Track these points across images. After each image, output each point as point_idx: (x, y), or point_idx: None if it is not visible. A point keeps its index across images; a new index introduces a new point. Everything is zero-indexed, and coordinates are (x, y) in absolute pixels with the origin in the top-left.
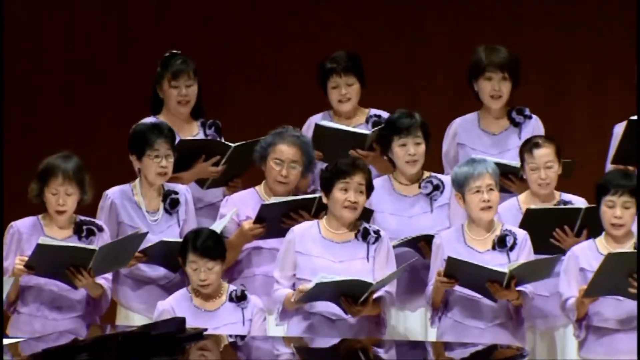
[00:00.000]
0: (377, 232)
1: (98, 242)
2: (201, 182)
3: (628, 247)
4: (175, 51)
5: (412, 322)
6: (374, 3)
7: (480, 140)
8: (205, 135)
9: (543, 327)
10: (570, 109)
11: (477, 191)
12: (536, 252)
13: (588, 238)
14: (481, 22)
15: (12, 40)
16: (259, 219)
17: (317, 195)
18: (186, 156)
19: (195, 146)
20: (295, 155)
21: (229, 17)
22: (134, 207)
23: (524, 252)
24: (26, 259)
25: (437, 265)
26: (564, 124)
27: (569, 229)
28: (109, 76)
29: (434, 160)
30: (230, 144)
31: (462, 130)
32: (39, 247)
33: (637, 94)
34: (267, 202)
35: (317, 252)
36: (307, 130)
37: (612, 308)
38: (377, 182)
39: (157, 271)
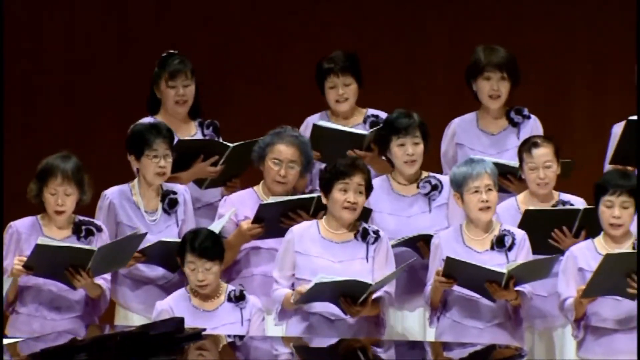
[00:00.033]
0: (376, 233)
1: (97, 243)
2: (199, 182)
3: (626, 247)
4: (172, 51)
5: (410, 322)
6: (374, 3)
7: (478, 140)
8: (203, 135)
9: (541, 327)
10: (570, 109)
11: (476, 191)
12: (535, 252)
13: (586, 239)
14: (481, 22)
15: (12, 40)
16: (257, 219)
17: (315, 195)
18: (185, 156)
19: (193, 146)
20: (293, 155)
21: (229, 17)
22: (133, 207)
23: (523, 252)
24: (25, 259)
25: (435, 265)
26: (564, 124)
27: (567, 229)
28: (109, 76)
29: (432, 160)
30: (228, 144)
31: (460, 130)
32: (38, 247)
33: (637, 94)
34: (265, 202)
35: (317, 252)
36: (305, 130)
37: (610, 308)
38: (375, 182)
39: (156, 271)
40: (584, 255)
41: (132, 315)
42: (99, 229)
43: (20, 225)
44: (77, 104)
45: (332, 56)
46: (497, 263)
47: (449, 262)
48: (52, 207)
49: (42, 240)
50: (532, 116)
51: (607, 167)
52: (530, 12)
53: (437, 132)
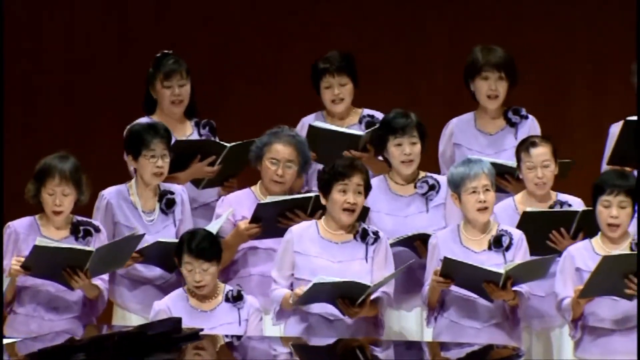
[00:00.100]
0: (375, 233)
1: (95, 243)
2: (197, 182)
3: (624, 247)
4: (166, 51)
5: (408, 322)
6: (374, 3)
7: (476, 140)
8: (200, 134)
9: (539, 327)
10: (570, 109)
11: (473, 192)
12: (533, 253)
13: (584, 239)
14: (481, 22)
15: (12, 40)
16: (255, 219)
17: (313, 194)
18: (182, 156)
19: (191, 146)
20: (291, 155)
21: (229, 17)
22: (130, 207)
23: (520, 252)
24: (22, 259)
25: (433, 265)
26: (564, 123)
27: (565, 231)
28: (109, 76)
29: (430, 160)
30: (225, 144)
31: (458, 131)
32: (36, 248)
33: (637, 94)
34: (263, 202)
35: (316, 252)
36: (300, 130)
37: (607, 308)
38: (373, 182)
39: (154, 271)
40: (582, 256)
41: (130, 315)
42: (97, 230)
43: (19, 225)
44: (77, 104)
45: (328, 56)
46: (495, 263)
47: (447, 262)
48: (50, 208)
49: (40, 242)
50: (530, 116)
51: (605, 167)
52: (530, 12)
53: (437, 132)
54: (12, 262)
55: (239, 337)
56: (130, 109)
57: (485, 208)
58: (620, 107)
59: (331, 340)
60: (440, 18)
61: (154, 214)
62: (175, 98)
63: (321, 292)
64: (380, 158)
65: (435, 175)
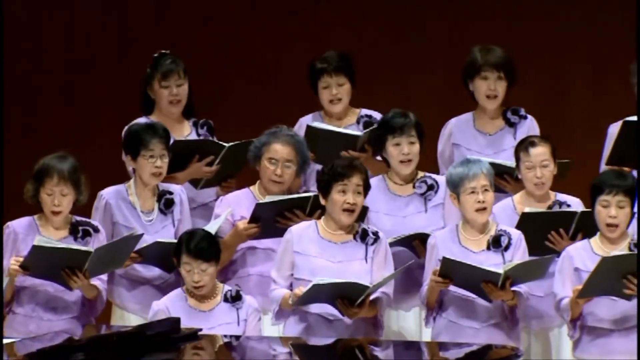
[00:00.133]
0: (375, 234)
1: (94, 243)
2: (195, 183)
3: (622, 247)
4: (164, 51)
5: (406, 322)
6: (374, 3)
7: (475, 140)
8: (198, 134)
9: (538, 327)
10: (570, 109)
11: (472, 192)
12: (531, 254)
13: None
14: (481, 22)
15: (12, 40)
16: (253, 219)
17: (311, 194)
18: (181, 156)
19: (189, 146)
20: (289, 155)
21: (229, 17)
22: (129, 208)
23: (519, 252)
24: (21, 259)
25: (431, 265)
26: (564, 123)
27: (564, 232)
28: (109, 76)
29: (429, 160)
30: (224, 144)
31: (457, 131)
32: (35, 248)
33: (637, 93)
34: (261, 201)
35: (315, 252)
36: (298, 131)
37: (606, 308)
38: (371, 181)
39: (152, 271)
40: (580, 256)
41: (129, 316)
42: (96, 230)
43: (17, 225)
44: (77, 104)
45: (325, 56)
46: (494, 263)
47: (446, 262)
48: (49, 208)
49: (38, 242)
50: (529, 116)
51: (604, 167)
52: (530, 12)
53: (436, 132)
54: (11, 262)
55: (237, 337)
56: (130, 109)
57: (484, 208)
58: (620, 108)
59: (330, 340)
60: (440, 18)
61: (152, 214)
62: (173, 98)
63: (320, 292)
64: (379, 158)
65: (433, 175)
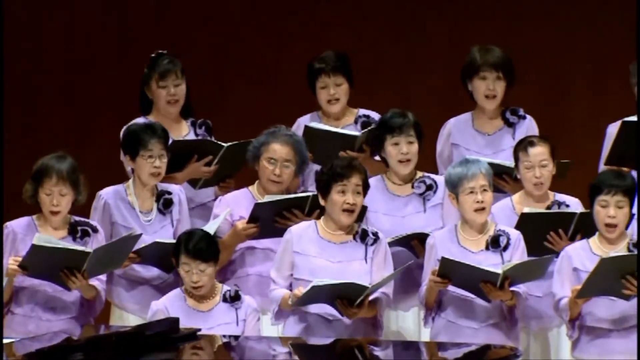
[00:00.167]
0: (375, 234)
1: (92, 243)
2: (193, 182)
3: (621, 247)
4: (161, 51)
5: (405, 322)
6: (374, 3)
7: (474, 140)
8: (196, 134)
9: (537, 327)
10: (570, 109)
11: (471, 192)
12: (530, 254)
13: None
14: (481, 22)
15: (12, 40)
16: (252, 219)
17: (310, 193)
18: (179, 156)
19: (188, 146)
20: (288, 154)
21: (229, 17)
22: (128, 208)
23: (518, 252)
24: (20, 259)
25: (430, 265)
26: (564, 124)
27: (563, 232)
28: (109, 76)
29: (427, 160)
30: (222, 143)
31: (456, 131)
32: (34, 247)
33: (637, 93)
34: (260, 201)
35: (315, 252)
36: (296, 131)
37: (605, 308)
38: (370, 181)
39: (151, 271)
40: (579, 256)
41: (128, 316)
42: (95, 230)
43: (16, 225)
44: (77, 104)
45: (323, 56)
46: (492, 263)
47: (444, 262)
48: (48, 208)
49: (38, 240)
50: (528, 116)
51: (602, 167)
52: (530, 12)
53: (435, 132)
54: (10, 262)
55: (236, 337)
56: (130, 109)
57: (483, 208)
58: (620, 108)
59: (328, 340)
60: (440, 18)
61: (151, 214)
62: (171, 98)
63: (320, 294)
64: (377, 158)
65: (432, 175)
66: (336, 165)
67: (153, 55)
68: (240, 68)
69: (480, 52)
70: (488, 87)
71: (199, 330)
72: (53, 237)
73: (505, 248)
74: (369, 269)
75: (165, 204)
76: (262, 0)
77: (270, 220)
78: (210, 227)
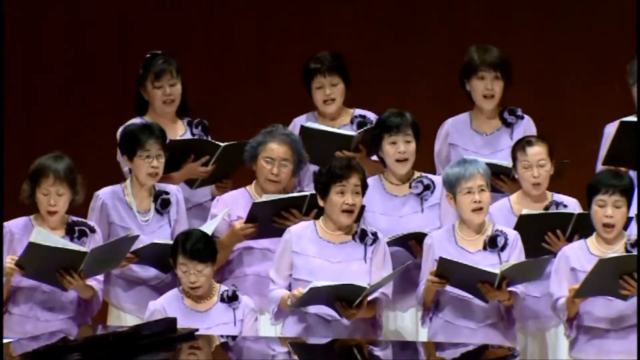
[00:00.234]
0: (374, 234)
1: (90, 243)
2: (190, 182)
3: (618, 247)
4: (155, 51)
5: (403, 322)
6: (374, 3)
7: (472, 140)
8: (192, 134)
9: (534, 327)
10: (569, 109)
11: (469, 192)
12: (528, 255)
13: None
14: (481, 22)
15: (12, 40)
16: (250, 218)
17: (308, 193)
18: (176, 156)
19: (185, 146)
20: (286, 154)
21: (229, 17)
22: (125, 208)
23: (515, 252)
24: (17, 258)
25: (428, 265)
26: (562, 124)
27: (561, 233)
28: (108, 76)
29: (425, 161)
30: (220, 143)
31: (454, 131)
32: (31, 245)
33: (637, 93)
34: (258, 201)
35: (314, 252)
36: (292, 131)
37: (602, 308)
38: (368, 181)
39: (149, 272)
40: (577, 256)
41: (125, 316)
42: (92, 230)
43: (13, 225)
44: (76, 104)
45: (319, 56)
46: (490, 263)
47: (442, 262)
48: (45, 208)
49: (35, 237)
50: (526, 116)
51: (600, 167)
52: (530, 13)
53: (433, 132)
54: (7, 261)
55: (234, 338)
56: (130, 110)
57: (481, 208)
58: (619, 108)
59: (326, 340)
60: (440, 18)
61: (149, 214)
62: (166, 98)
63: (318, 295)
64: (374, 158)
65: (430, 175)
66: (335, 166)
67: (148, 55)
68: (238, 68)
69: (478, 52)
70: (486, 87)
71: (197, 330)
72: (51, 233)
73: (503, 248)
74: (368, 269)
75: (162, 204)
76: (262, 0)
77: (268, 220)
78: (208, 227)
